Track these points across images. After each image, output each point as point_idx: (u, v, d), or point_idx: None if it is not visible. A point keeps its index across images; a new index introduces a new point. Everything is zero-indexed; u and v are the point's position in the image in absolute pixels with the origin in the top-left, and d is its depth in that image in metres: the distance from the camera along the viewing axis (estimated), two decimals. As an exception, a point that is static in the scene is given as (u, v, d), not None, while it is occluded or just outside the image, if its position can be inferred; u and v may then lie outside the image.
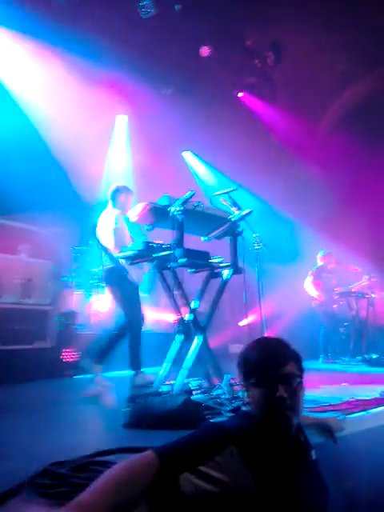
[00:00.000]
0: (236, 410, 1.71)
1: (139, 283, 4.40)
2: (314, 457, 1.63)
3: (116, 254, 4.21)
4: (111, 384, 4.10)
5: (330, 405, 2.92)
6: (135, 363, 4.27)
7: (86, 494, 1.25)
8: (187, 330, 3.70)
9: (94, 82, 7.05)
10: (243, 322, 7.12)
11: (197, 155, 9.73)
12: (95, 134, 7.46)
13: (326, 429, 2.07)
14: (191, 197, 3.49)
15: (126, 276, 4.26)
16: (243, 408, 1.65)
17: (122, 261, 4.19)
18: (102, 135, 8.15)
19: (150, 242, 3.66)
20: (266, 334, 4.20)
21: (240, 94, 9.30)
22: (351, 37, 6.88)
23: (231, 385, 3.15)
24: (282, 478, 1.44)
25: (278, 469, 1.45)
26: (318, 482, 1.60)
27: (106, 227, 4.34)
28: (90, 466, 1.77)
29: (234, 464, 1.40)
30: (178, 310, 3.73)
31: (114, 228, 4.29)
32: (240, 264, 3.86)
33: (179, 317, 3.72)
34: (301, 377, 1.59)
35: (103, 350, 4.26)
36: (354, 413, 2.77)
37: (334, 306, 7.12)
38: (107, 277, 4.44)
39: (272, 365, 1.56)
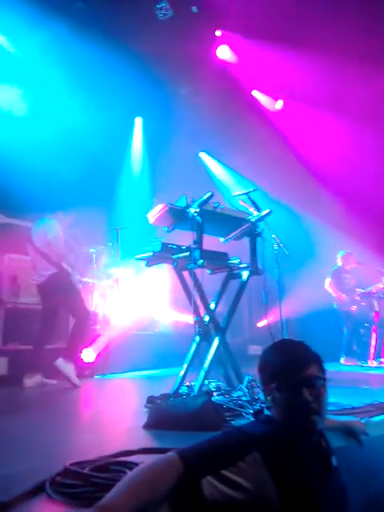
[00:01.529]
0: (258, 412, 1.68)
1: (79, 286, 4.94)
2: (334, 463, 1.60)
3: (65, 259, 4.70)
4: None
5: (352, 407, 2.87)
6: (73, 355, 4.69)
7: (110, 497, 1.25)
8: (206, 331, 3.68)
9: (111, 84, 7.11)
10: (262, 323, 7.09)
11: (213, 156, 9.73)
12: (113, 136, 7.50)
13: (349, 432, 2.03)
14: (210, 198, 3.48)
15: (70, 280, 4.72)
16: (265, 411, 1.63)
17: (65, 266, 4.67)
18: (120, 136, 8.19)
19: (169, 244, 3.65)
20: (285, 336, 4.16)
21: (254, 92, 9.26)
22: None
23: (251, 386, 3.13)
24: (305, 486, 1.42)
25: (301, 476, 1.43)
26: (339, 488, 1.58)
27: (47, 236, 4.70)
28: (111, 466, 1.77)
29: (257, 471, 1.38)
30: (197, 312, 3.72)
31: (55, 235, 4.66)
32: (259, 265, 3.83)
33: (198, 318, 3.70)
34: (324, 379, 1.57)
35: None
36: (376, 416, 2.71)
37: (354, 306, 7.03)
38: (49, 282, 4.72)
39: (294, 368, 1.53)
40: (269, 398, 1.57)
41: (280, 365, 1.56)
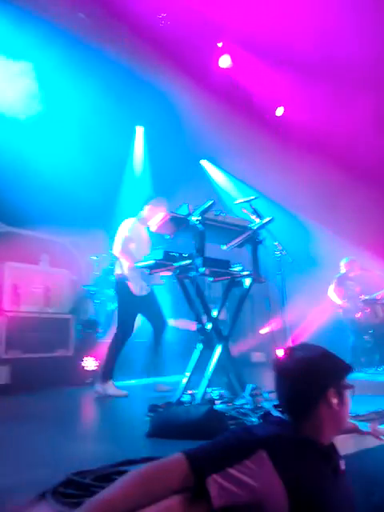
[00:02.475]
0: (267, 414, 1.66)
1: (143, 293, 4.46)
2: (342, 467, 1.59)
3: (124, 262, 4.39)
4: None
5: (357, 415, 2.85)
6: (105, 374, 4.34)
7: (109, 489, 1.26)
8: (208, 338, 3.67)
9: (112, 93, 7.15)
10: (265, 330, 7.06)
11: (215, 164, 9.75)
12: (115, 144, 7.53)
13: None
14: (211, 206, 3.49)
15: (126, 286, 4.37)
16: (274, 413, 1.62)
17: (121, 268, 4.39)
18: (122, 145, 8.22)
19: (171, 251, 3.66)
20: (288, 343, 4.15)
21: (255, 99, 9.27)
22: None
23: (254, 395, 3.11)
24: (314, 487, 1.40)
25: (310, 477, 1.41)
26: (347, 492, 1.56)
27: (119, 234, 4.49)
28: (113, 475, 1.76)
29: (265, 470, 1.36)
30: (199, 319, 3.71)
31: (123, 236, 4.45)
32: (261, 272, 3.82)
33: (200, 326, 3.69)
34: None
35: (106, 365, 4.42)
36: (381, 424, 2.69)
37: (359, 313, 6.99)
38: (115, 284, 4.59)
39: (348, 372, 1.58)
40: (314, 404, 1.53)
41: (333, 367, 1.57)
